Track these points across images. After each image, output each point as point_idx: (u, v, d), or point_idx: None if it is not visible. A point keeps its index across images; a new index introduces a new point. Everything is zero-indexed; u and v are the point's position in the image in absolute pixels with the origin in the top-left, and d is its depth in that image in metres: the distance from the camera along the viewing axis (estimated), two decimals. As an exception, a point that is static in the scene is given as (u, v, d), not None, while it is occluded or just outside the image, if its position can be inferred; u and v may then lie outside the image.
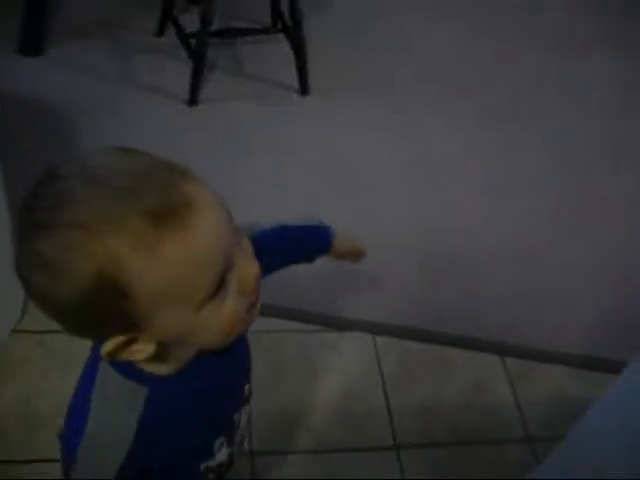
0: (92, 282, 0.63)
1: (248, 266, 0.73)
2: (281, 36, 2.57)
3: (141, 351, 0.71)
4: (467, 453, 1.75)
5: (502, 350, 1.95)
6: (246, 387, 0.96)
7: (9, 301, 1.70)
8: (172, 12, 2.58)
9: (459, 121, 2.60)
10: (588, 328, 2.02)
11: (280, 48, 2.57)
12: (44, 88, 2.37)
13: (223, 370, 0.84)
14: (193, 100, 2.42)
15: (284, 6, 2.51)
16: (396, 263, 2.07)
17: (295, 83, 2.55)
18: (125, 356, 0.71)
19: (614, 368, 1.46)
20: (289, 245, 1.11)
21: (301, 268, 1.87)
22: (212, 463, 0.92)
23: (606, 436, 1.21)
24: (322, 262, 2.07)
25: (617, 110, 2.82)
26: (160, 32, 2.65)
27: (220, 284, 0.69)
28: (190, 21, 2.45)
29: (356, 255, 1.22)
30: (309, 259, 1.15)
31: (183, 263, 0.65)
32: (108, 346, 0.70)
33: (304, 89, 2.56)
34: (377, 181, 2.33)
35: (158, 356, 0.73)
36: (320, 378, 1.81)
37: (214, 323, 0.71)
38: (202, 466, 0.91)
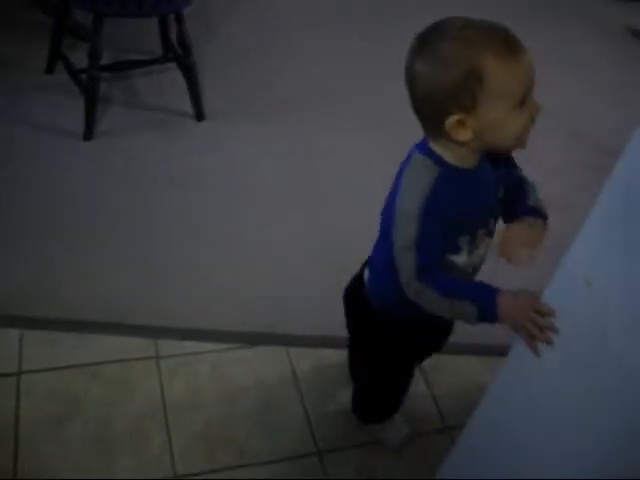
0: (470, 68, 1.07)
1: (537, 103, 1.14)
2: (173, 65, 2.60)
3: (463, 134, 1.12)
4: (390, 451, 1.80)
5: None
6: (491, 220, 1.28)
7: None
8: (60, 49, 2.58)
9: (352, 138, 2.67)
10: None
11: (173, 77, 2.60)
12: None
13: (483, 186, 1.23)
14: (89, 135, 2.42)
15: (173, 34, 2.54)
16: (299, 276, 2.12)
17: (190, 110, 2.58)
18: (453, 133, 1.13)
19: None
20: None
21: (205, 287, 1.88)
22: (456, 260, 1.25)
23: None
24: (225, 279, 2.09)
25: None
26: (50, 70, 2.64)
27: (523, 101, 1.11)
28: (80, 57, 2.46)
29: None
30: None
31: (516, 75, 1.09)
32: (454, 118, 1.11)
33: (199, 115, 2.59)
34: (277, 199, 2.38)
35: (464, 144, 1.15)
36: (237, 394, 1.83)
37: (512, 127, 1.12)
38: (455, 256, 1.24)
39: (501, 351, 1.81)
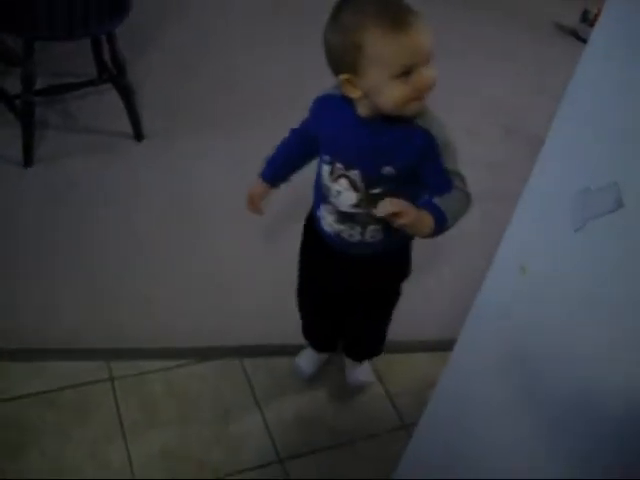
0: (354, 37, 1.26)
1: (428, 73, 1.28)
2: (109, 85, 2.58)
3: (353, 92, 1.33)
4: (350, 452, 1.82)
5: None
6: (354, 167, 1.42)
7: None
8: (-8, 77, 2.54)
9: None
10: (439, 314, 2.14)
11: (110, 97, 2.58)
12: None
13: (358, 135, 1.40)
14: (28, 161, 2.39)
15: (107, 55, 2.53)
16: (248, 288, 2.14)
17: (129, 130, 2.57)
18: (345, 89, 1.34)
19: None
20: None
21: (153, 306, 1.87)
22: (323, 172, 1.49)
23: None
24: (172, 296, 2.08)
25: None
26: (-18, 98, 2.61)
27: (407, 73, 1.26)
28: (13, 83, 2.43)
29: None
30: None
31: (396, 48, 1.24)
32: (343, 76, 1.32)
33: (139, 135, 2.58)
34: (222, 212, 2.37)
35: (357, 100, 1.36)
36: (194, 409, 1.84)
37: (391, 94, 1.28)
38: (324, 166, 1.49)
39: (451, 346, 1.85)
